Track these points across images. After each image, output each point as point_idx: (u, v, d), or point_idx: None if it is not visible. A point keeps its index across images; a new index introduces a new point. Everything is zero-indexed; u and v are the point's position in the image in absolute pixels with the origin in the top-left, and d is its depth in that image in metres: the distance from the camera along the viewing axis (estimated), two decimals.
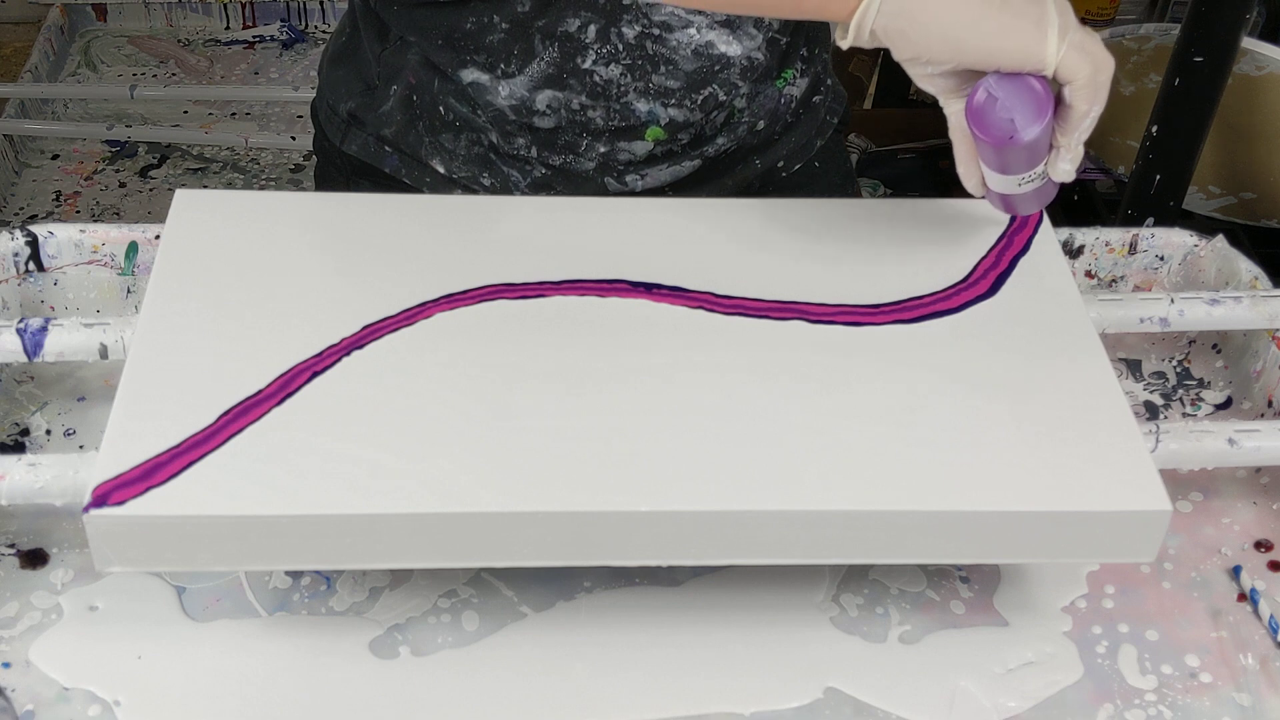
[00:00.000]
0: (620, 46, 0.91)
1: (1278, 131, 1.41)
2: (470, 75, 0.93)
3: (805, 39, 1.00)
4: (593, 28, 0.90)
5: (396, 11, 0.95)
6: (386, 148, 0.99)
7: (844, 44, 0.76)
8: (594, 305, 0.82)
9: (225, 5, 2.41)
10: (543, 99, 0.93)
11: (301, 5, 2.42)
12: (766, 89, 0.97)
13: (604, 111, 0.93)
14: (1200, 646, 0.80)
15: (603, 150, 0.95)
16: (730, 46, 0.92)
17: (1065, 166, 0.79)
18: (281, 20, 2.43)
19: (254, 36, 2.42)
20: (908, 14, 0.74)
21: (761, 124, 0.99)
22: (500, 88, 0.93)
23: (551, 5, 0.89)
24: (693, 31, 0.91)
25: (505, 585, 0.81)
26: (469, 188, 0.98)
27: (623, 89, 0.92)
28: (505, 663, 0.77)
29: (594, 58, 0.91)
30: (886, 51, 0.76)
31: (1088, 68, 0.74)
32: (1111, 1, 1.75)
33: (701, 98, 0.93)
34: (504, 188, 0.98)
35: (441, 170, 0.98)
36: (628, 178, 0.97)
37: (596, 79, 0.92)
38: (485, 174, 0.97)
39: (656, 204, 0.91)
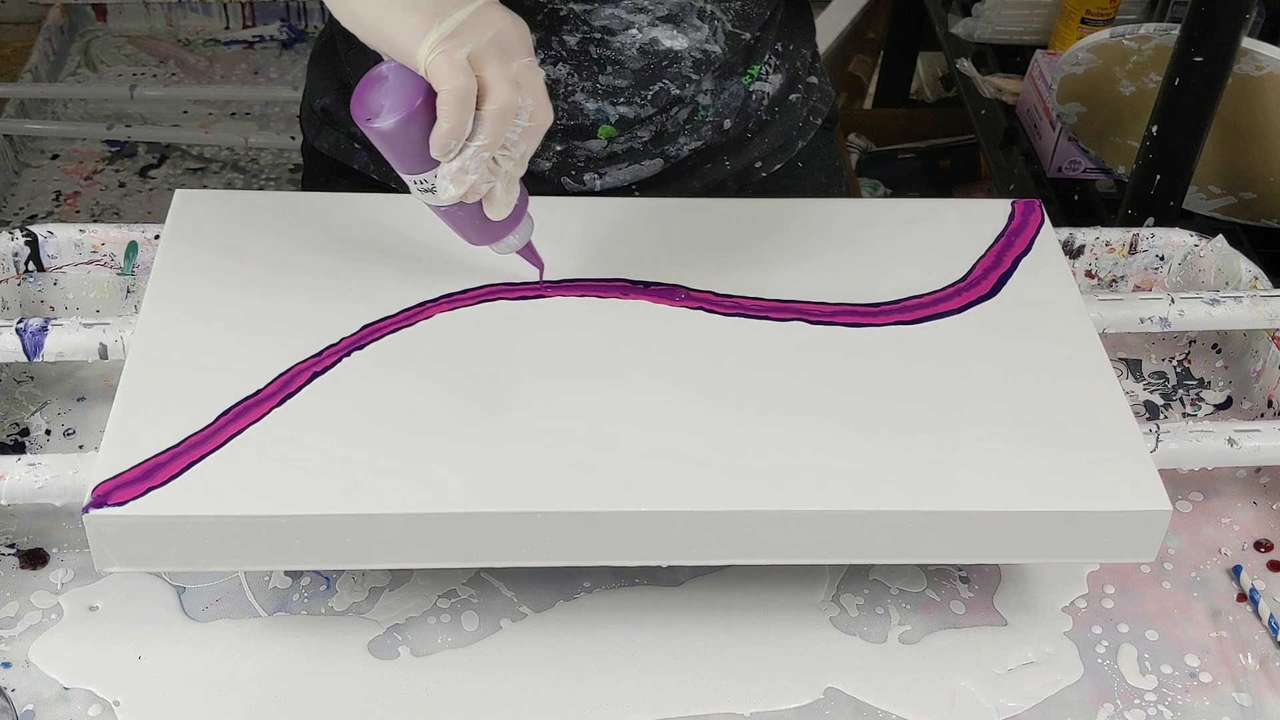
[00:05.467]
0: (564, 53, 0.91)
1: (1278, 131, 1.40)
2: None
3: (778, 35, 0.99)
4: (533, 36, 0.90)
5: None
6: (356, 144, 1.00)
7: None
8: (594, 305, 0.82)
9: (225, 5, 2.41)
10: None
11: (301, 5, 2.42)
12: (731, 85, 0.96)
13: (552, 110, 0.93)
14: (1200, 646, 0.80)
15: (559, 149, 0.95)
16: (675, 40, 0.91)
17: (444, 184, 0.71)
18: (281, 20, 2.43)
19: (254, 36, 2.42)
20: None
21: (728, 123, 0.97)
22: None
23: None
24: (634, 32, 0.90)
25: (505, 585, 0.81)
26: None
27: (570, 88, 0.92)
28: (505, 663, 0.77)
29: (541, 58, 0.91)
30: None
31: (456, 82, 0.67)
32: (1112, 1, 1.75)
33: (652, 93, 0.93)
34: None
35: None
36: (585, 176, 0.96)
37: (544, 78, 0.92)
38: None
39: (656, 204, 0.91)
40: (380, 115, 0.69)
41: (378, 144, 0.71)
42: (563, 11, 0.89)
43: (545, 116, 0.72)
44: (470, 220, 0.76)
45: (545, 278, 0.83)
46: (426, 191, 0.73)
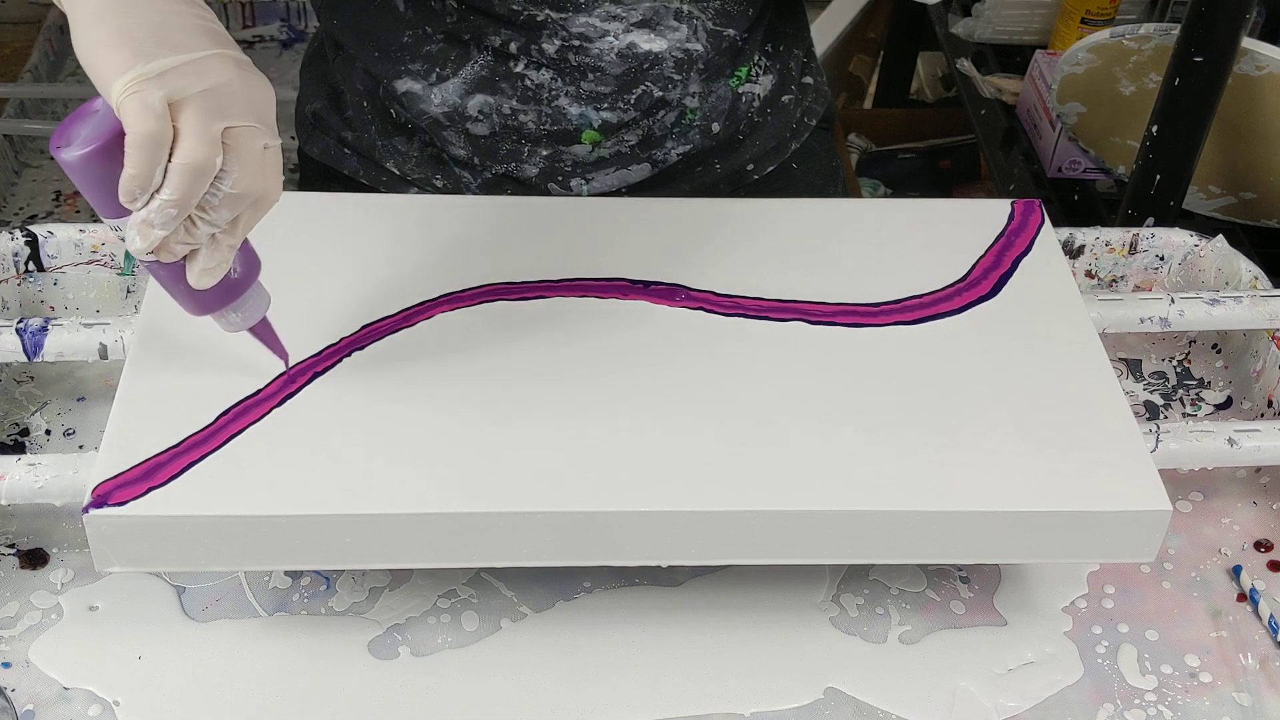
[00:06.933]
0: (544, 59, 0.91)
1: (1278, 131, 1.40)
2: (404, 85, 0.93)
3: (766, 36, 0.98)
4: (514, 44, 0.90)
5: (336, 24, 0.95)
6: (346, 150, 1.00)
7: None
8: (593, 305, 0.82)
9: (225, 5, 2.41)
10: (474, 104, 0.93)
11: (301, 5, 2.42)
12: (718, 88, 0.96)
13: (535, 116, 0.93)
14: (1200, 646, 0.80)
15: (545, 154, 0.95)
16: (654, 43, 0.91)
17: (131, 234, 0.63)
18: (281, 20, 2.43)
19: (254, 36, 2.42)
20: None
21: (717, 126, 0.97)
22: (433, 95, 0.93)
23: (471, 22, 0.90)
24: (611, 39, 0.90)
25: (505, 585, 0.81)
26: (423, 189, 0.98)
27: (554, 93, 0.92)
28: (505, 663, 0.77)
29: (525, 63, 0.91)
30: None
31: (144, 126, 0.60)
32: (1111, 1, 1.75)
33: (635, 97, 0.93)
34: (456, 189, 0.98)
35: (396, 172, 0.98)
36: (572, 182, 0.96)
37: (528, 82, 0.92)
38: (438, 175, 0.98)
39: (656, 204, 0.91)
40: (69, 146, 0.63)
41: (71, 177, 0.65)
42: (540, 17, 0.89)
43: (253, 186, 0.64)
44: (174, 283, 0.68)
45: (545, 278, 0.83)
46: (124, 240, 0.65)
